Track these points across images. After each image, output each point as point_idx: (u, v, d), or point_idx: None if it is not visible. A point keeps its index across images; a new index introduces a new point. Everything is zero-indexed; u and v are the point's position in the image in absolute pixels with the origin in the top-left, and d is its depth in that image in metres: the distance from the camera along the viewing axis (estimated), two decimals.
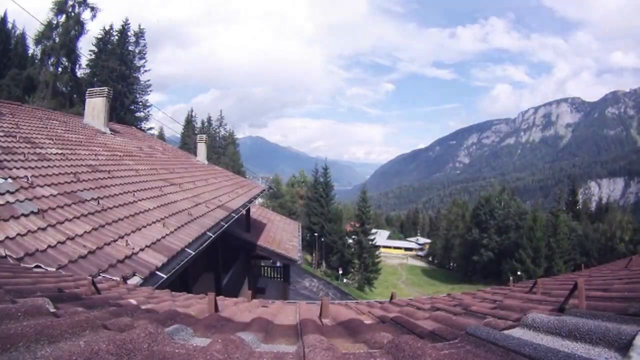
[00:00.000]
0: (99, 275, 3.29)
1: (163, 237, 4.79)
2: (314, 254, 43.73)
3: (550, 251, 37.09)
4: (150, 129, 35.05)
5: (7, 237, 3.10)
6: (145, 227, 4.85)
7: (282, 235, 15.00)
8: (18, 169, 4.58)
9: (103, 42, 32.29)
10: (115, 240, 4.05)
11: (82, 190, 4.97)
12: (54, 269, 3.00)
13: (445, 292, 6.33)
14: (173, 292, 3.51)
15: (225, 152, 45.98)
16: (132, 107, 33.69)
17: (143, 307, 2.01)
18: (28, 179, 4.36)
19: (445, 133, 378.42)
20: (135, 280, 3.52)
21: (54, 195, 4.35)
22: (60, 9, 27.56)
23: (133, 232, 4.51)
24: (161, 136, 37.17)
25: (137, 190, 6.20)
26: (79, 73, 30.73)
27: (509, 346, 1.00)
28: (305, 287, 29.88)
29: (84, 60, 30.46)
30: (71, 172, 5.46)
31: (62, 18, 27.86)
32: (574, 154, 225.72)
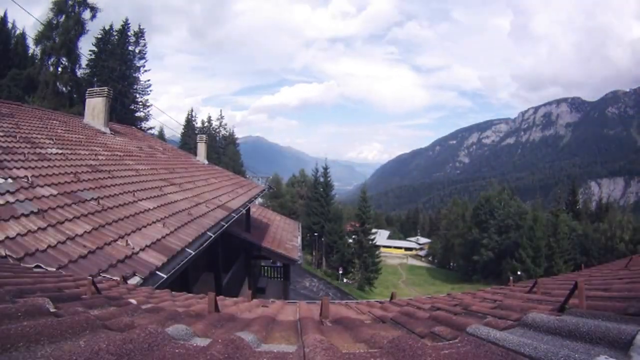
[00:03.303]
0: (99, 275, 3.29)
1: (163, 237, 4.79)
2: (314, 254, 43.71)
3: (551, 251, 37.05)
4: (151, 129, 35.09)
5: (7, 237, 3.10)
6: (145, 227, 4.85)
7: (283, 235, 15.00)
8: (18, 169, 4.58)
9: (103, 42, 32.30)
10: (115, 240, 4.05)
11: (82, 190, 4.97)
12: (54, 269, 3.00)
13: (445, 292, 6.32)
14: (173, 292, 3.51)
15: (225, 152, 45.97)
16: (132, 107, 33.69)
17: (143, 307, 2.01)
18: (28, 179, 4.36)
19: (446, 133, 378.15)
20: (135, 280, 3.52)
21: (54, 195, 4.35)
22: (60, 9, 27.57)
23: (133, 232, 4.51)
24: (161, 136, 37.16)
25: (137, 190, 6.20)
26: (79, 73, 30.79)
27: (509, 346, 1.00)
28: (305, 287, 29.87)
29: (84, 60, 30.52)
30: (71, 172, 5.46)
31: (62, 18, 27.88)
32: (574, 154, 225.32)
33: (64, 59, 28.41)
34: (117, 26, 33.13)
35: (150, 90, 35.21)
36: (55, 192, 4.44)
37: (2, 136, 5.51)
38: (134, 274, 3.59)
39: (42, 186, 4.42)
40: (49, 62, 28.08)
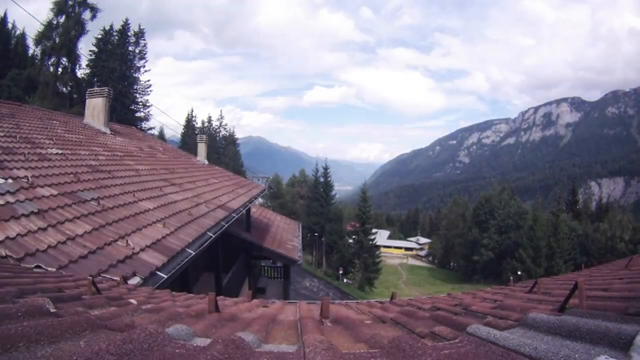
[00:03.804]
0: (99, 275, 3.29)
1: (163, 237, 4.79)
2: (314, 254, 43.69)
3: (551, 251, 37.00)
4: (151, 129, 35.09)
5: (7, 237, 3.10)
6: (145, 227, 4.85)
7: (283, 235, 15.00)
8: (18, 169, 4.58)
9: (103, 42, 32.31)
10: (115, 240, 4.05)
11: (82, 191, 4.97)
12: (55, 269, 3.00)
13: (445, 292, 6.32)
14: (173, 292, 3.51)
15: (225, 152, 45.96)
16: (132, 107, 33.70)
17: (143, 307, 2.01)
18: (28, 179, 4.36)
19: (446, 133, 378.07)
20: (135, 280, 3.52)
21: (54, 196, 4.35)
22: (60, 9, 27.59)
23: (133, 232, 4.51)
24: (161, 136, 37.16)
25: (138, 190, 6.20)
26: (79, 73, 30.82)
27: (509, 346, 1.00)
28: (305, 287, 29.84)
29: (84, 61, 30.54)
30: (71, 172, 5.46)
31: (62, 18, 27.90)
32: (574, 154, 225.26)
33: (64, 59, 28.43)
34: (117, 26, 33.11)
35: (150, 91, 35.23)
36: (55, 192, 4.44)
37: (2, 136, 5.51)
38: (134, 274, 3.59)
39: (42, 186, 4.42)
40: (49, 63, 28.10)
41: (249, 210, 12.75)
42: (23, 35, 29.98)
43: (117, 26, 33.08)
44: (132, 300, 2.20)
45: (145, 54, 34.30)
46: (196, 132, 41.34)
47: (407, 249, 76.24)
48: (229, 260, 11.24)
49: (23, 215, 3.56)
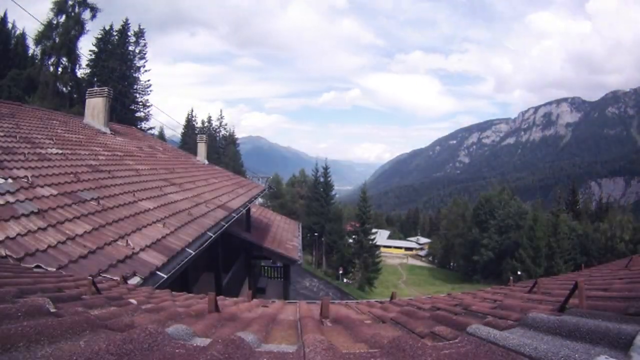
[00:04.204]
0: (99, 275, 3.29)
1: (163, 237, 4.79)
2: (314, 254, 43.70)
3: (551, 251, 37.00)
4: (151, 129, 35.08)
5: (7, 237, 3.10)
6: (145, 227, 4.85)
7: (283, 235, 15.00)
8: (18, 169, 4.58)
9: (103, 42, 32.30)
10: (115, 240, 4.05)
11: (82, 190, 4.97)
12: (54, 269, 3.00)
13: (445, 292, 6.32)
14: (173, 292, 3.51)
15: (225, 152, 45.95)
16: (132, 107, 33.69)
17: (143, 307, 2.01)
18: (28, 179, 4.36)
19: (446, 133, 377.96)
20: (135, 280, 3.52)
21: (54, 195, 4.35)
22: (60, 9, 27.59)
23: (133, 232, 4.51)
24: (161, 136, 37.14)
25: (138, 190, 6.20)
26: (79, 73, 30.81)
27: (509, 346, 1.00)
28: (305, 286, 29.83)
29: (84, 60, 30.54)
30: (71, 172, 5.46)
31: (62, 18, 27.90)
32: (574, 154, 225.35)
33: (64, 59, 28.42)
34: (117, 26, 33.06)
35: (150, 91, 35.22)
36: (55, 192, 4.44)
37: (2, 136, 5.51)
38: (134, 274, 3.59)
39: (42, 186, 4.42)
40: (49, 62, 28.09)
41: (249, 210, 12.75)
42: (23, 35, 29.99)
43: (119, 26, 33.09)
44: (132, 300, 2.20)
45: (145, 53, 34.31)
46: (196, 132, 41.32)
47: (407, 249, 76.23)
48: (229, 260, 11.24)
49: (23, 215, 3.56)
